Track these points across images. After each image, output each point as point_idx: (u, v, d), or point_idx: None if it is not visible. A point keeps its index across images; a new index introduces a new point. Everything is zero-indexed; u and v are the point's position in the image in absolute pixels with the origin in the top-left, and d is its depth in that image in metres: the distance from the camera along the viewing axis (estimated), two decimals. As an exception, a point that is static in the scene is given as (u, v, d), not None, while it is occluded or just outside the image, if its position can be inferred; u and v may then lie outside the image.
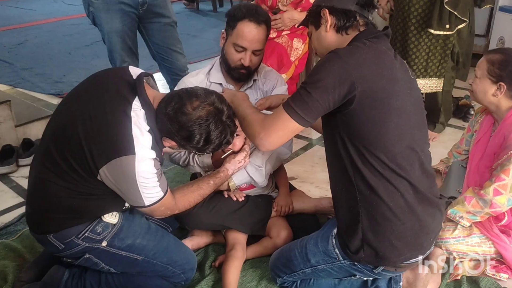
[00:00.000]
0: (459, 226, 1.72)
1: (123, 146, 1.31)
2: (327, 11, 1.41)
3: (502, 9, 3.70)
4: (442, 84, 2.75)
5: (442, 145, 2.77)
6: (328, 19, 1.41)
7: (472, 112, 2.99)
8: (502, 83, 1.64)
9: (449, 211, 1.69)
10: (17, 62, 4.75)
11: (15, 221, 2.15)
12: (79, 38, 5.60)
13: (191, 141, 1.38)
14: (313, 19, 1.49)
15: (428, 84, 2.74)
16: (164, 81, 2.86)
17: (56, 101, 3.62)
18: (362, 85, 1.26)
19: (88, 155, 1.33)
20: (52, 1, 8.79)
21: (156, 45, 2.54)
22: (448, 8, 2.45)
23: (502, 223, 1.68)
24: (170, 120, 1.36)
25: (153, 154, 1.36)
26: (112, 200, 1.46)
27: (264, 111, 1.60)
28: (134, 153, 1.31)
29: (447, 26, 2.51)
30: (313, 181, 2.48)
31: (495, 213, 1.64)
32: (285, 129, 1.35)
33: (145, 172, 1.35)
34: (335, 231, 1.48)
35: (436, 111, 2.88)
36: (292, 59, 2.74)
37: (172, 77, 2.62)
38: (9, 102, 2.79)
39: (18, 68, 4.55)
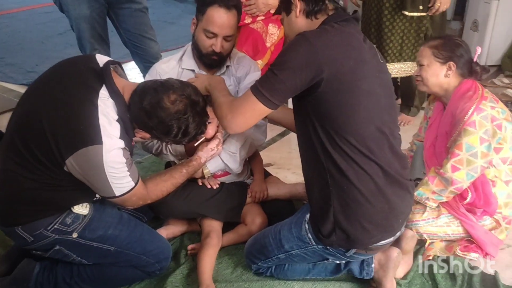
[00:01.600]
0: (427, 208, 1.75)
1: (89, 136, 1.29)
2: None
3: (477, -8, 3.73)
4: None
5: (416, 129, 2.78)
6: (298, 4, 1.41)
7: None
8: (451, 62, 1.71)
9: (415, 193, 1.71)
10: (-13, 52, 4.62)
11: (-15, 214, 2.09)
12: (52, 26, 5.45)
13: (169, 135, 1.38)
14: (284, 5, 1.48)
15: (403, 68, 2.75)
16: (138, 69, 2.81)
17: (28, 91, 3.54)
18: (329, 67, 1.26)
19: (54, 146, 1.30)
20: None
21: (128, 31, 2.48)
22: None
23: (467, 201, 1.71)
24: (148, 114, 1.35)
25: (121, 143, 1.34)
26: (82, 191, 1.43)
27: None
28: (101, 143, 1.29)
29: (421, 7, 2.53)
30: (290, 167, 2.48)
31: (458, 190, 1.67)
32: (252, 111, 1.36)
33: (113, 162, 1.32)
34: (308, 216, 1.49)
35: (410, 94, 2.90)
36: (268, 45, 2.71)
37: (145, 64, 2.57)
38: (-23, 93, 2.72)
39: (-13, 59, 4.42)
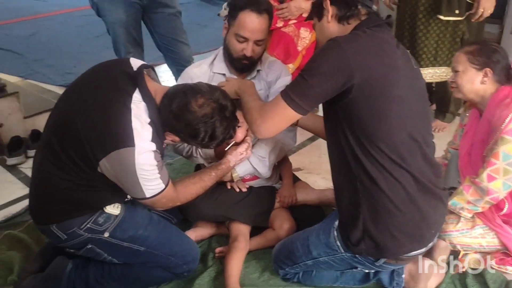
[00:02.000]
0: (462, 218, 1.70)
1: (122, 138, 1.31)
2: (328, 1, 1.40)
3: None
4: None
5: (452, 136, 2.71)
6: (329, 10, 1.40)
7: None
8: (487, 69, 1.66)
9: (449, 203, 1.66)
10: (28, 53, 4.79)
11: (22, 211, 2.17)
12: (90, 29, 5.61)
13: (196, 138, 1.40)
14: (316, 10, 1.47)
15: (438, 73, 2.68)
16: (171, 72, 2.85)
17: (65, 92, 3.65)
18: (361, 73, 1.24)
19: (88, 148, 1.33)
20: (64, -8, 8.82)
21: (161, 35, 2.53)
22: None
23: (504, 212, 1.65)
24: (176, 117, 1.37)
25: (153, 146, 1.36)
26: (114, 192, 1.46)
27: None
28: (133, 145, 1.31)
29: (457, 11, 2.46)
30: (320, 172, 2.46)
31: (494, 200, 1.61)
32: (281, 116, 1.36)
33: (145, 165, 1.35)
34: (337, 223, 1.47)
35: (446, 100, 2.82)
36: (299, 48, 2.70)
37: (178, 67, 2.60)
38: (17, 93, 2.82)
39: (29, 60, 4.58)
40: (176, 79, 2.67)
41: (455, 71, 1.74)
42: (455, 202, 1.68)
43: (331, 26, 1.42)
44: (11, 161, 2.61)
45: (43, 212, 1.50)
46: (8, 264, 1.78)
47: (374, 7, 1.44)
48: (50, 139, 1.42)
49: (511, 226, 1.67)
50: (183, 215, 1.86)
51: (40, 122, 2.91)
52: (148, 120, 1.37)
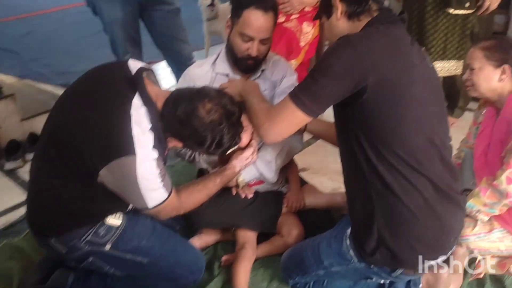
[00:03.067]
0: (478, 221, 1.63)
1: (122, 146, 1.24)
2: None
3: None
4: (461, 67, 2.60)
5: (461, 131, 2.60)
6: (339, 6, 1.31)
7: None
8: (506, 65, 1.58)
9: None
10: (24, 52, 4.71)
11: (21, 219, 2.10)
12: (87, 26, 5.47)
13: (203, 145, 1.33)
14: (324, 8, 1.39)
15: (447, 67, 2.60)
16: (170, 69, 2.77)
17: (62, 92, 3.57)
18: (375, 73, 1.17)
19: (87, 157, 1.26)
20: (60, -11, 8.70)
21: (160, 33, 2.44)
22: None
23: None
24: (182, 123, 1.30)
25: (155, 154, 1.29)
26: (115, 201, 1.39)
27: None
28: (134, 154, 1.24)
29: (467, 4, 2.37)
30: (326, 172, 2.39)
31: None
32: (291, 120, 1.28)
33: (147, 174, 1.28)
34: (349, 231, 1.40)
35: (454, 95, 2.75)
36: (302, 44, 2.61)
37: (178, 66, 2.53)
38: (14, 95, 2.75)
39: (25, 59, 4.50)
40: (177, 78, 2.59)
41: (471, 69, 1.65)
42: (471, 204, 1.60)
43: (341, 24, 1.34)
44: (8, 165, 2.54)
45: (41, 224, 1.43)
46: (7, 276, 1.71)
47: (386, 3, 1.35)
48: (47, 147, 1.35)
49: (531, 230, 1.60)
50: (187, 223, 1.80)
51: (38, 124, 2.82)
52: (149, 126, 1.30)
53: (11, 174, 2.52)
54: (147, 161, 1.27)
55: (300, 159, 2.19)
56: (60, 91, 3.65)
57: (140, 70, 1.37)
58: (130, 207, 1.48)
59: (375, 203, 1.28)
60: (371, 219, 1.29)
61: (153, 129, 1.30)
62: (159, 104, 1.34)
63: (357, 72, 1.17)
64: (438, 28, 2.50)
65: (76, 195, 1.34)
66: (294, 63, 2.60)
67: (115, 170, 1.26)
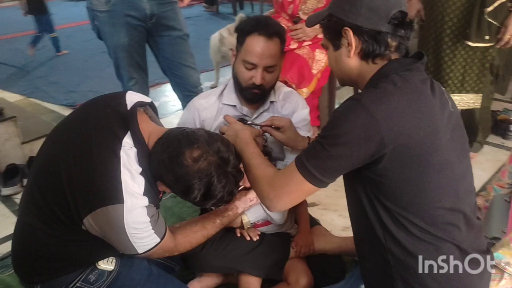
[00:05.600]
0: (505, 274, 1.49)
1: (110, 194, 1.14)
2: (350, 32, 1.13)
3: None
4: (480, 100, 2.48)
5: (479, 167, 2.52)
6: (352, 43, 1.13)
7: (512, 129, 2.74)
8: None
9: None
10: (33, 69, 4.70)
11: (13, 252, 1.99)
12: (96, 43, 5.45)
13: (188, 196, 1.20)
14: (330, 36, 1.21)
15: (465, 100, 2.48)
16: (171, 97, 2.70)
17: (67, 112, 3.51)
18: (394, 142, 1.02)
19: (71, 203, 1.16)
20: (72, 5, 8.80)
21: (167, 59, 2.36)
22: (488, 19, 2.19)
23: None
24: (165, 169, 1.18)
25: (145, 201, 1.18)
26: (105, 246, 1.27)
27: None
28: (122, 202, 1.13)
29: (487, 37, 2.25)
30: (337, 209, 2.26)
31: None
32: (298, 191, 1.14)
33: (136, 223, 1.17)
34: (363, 287, 1.27)
35: (473, 129, 2.61)
36: (314, 71, 2.53)
37: (184, 93, 2.43)
38: (15, 118, 2.67)
39: (33, 77, 4.49)
40: (183, 106, 2.50)
41: None
42: (499, 255, 1.46)
43: (352, 62, 1.17)
44: (5, 191, 2.45)
45: (27, 269, 1.32)
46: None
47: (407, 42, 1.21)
48: (33, 189, 1.25)
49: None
50: (186, 266, 1.67)
51: (38, 148, 2.75)
52: (140, 169, 1.19)
53: (7, 200, 2.43)
54: (136, 209, 1.16)
55: (309, 194, 2.07)
56: (65, 112, 3.62)
57: (135, 106, 1.27)
58: None
59: (394, 270, 1.14)
60: (390, 283, 1.15)
61: (143, 172, 1.20)
62: (151, 144, 1.24)
63: (373, 141, 1.03)
64: (456, 60, 2.38)
65: (63, 240, 1.24)
66: (306, 91, 2.51)
67: (101, 219, 1.15)
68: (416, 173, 1.06)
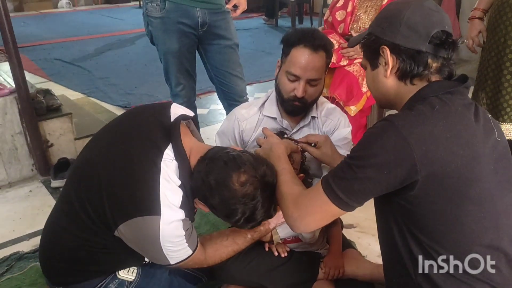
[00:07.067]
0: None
1: (147, 204, 1.15)
2: (387, 50, 1.09)
3: None
4: (540, 131, 2.30)
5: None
6: (389, 61, 1.09)
7: None
8: None
9: None
10: (96, 70, 4.93)
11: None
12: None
13: (231, 218, 1.20)
14: (368, 55, 1.17)
15: (525, 130, 2.31)
16: (221, 105, 2.72)
17: (121, 113, 3.64)
18: (427, 168, 0.96)
19: (107, 207, 1.18)
20: (139, 12, 9.17)
21: (215, 68, 2.39)
22: None
23: None
24: (210, 190, 1.18)
25: (182, 214, 1.19)
26: (131, 255, 1.29)
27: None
28: (159, 214, 1.14)
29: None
30: (375, 233, 2.13)
31: None
32: (323, 213, 1.09)
33: (171, 236, 1.18)
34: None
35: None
36: (364, 89, 2.46)
37: (229, 102, 2.45)
38: (71, 114, 2.81)
39: (95, 77, 4.70)
40: (227, 114, 2.51)
41: None
42: None
43: (389, 82, 1.12)
44: (55, 183, 2.56)
45: (51, 270, 1.36)
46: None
47: (452, 64, 1.12)
48: (70, 190, 1.28)
49: None
50: (212, 277, 1.66)
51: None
52: (179, 182, 1.20)
53: (56, 193, 2.54)
54: (172, 223, 1.17)
55: (347, 214, 1.98)
56: (119, 112, 3.75)
57: (179, 119, 1.28)
58: (146, 260, 1.38)
59: None
60: None
61: (182, 186, 1.20)
62: (193, 159, 1.25)
63: (405, 166, 0.96)
64: (518, 86, 2.23)
65: (89, 243, 1.27)
66: (354, 109, 2.45)
67: (136, 228, 1.17)
68: (452, 204, 0.99)
